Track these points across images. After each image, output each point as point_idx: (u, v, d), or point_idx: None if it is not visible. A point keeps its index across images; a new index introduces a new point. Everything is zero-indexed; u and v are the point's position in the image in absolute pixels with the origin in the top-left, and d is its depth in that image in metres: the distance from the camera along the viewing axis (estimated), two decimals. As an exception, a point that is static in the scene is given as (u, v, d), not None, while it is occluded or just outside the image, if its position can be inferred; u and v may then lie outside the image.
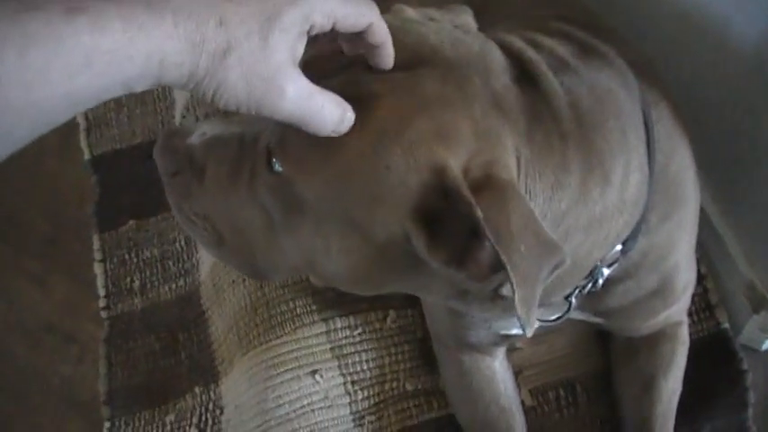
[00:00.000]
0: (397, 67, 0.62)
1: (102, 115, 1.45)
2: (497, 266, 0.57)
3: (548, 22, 0.77)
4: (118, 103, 1.46)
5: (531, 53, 0.68)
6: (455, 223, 0.59)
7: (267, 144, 0.65)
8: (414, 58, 0.63)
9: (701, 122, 0.92)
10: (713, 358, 1.09)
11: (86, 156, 1.41)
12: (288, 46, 0.54)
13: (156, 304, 1.24)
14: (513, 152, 0.62)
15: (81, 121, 1.45)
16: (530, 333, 0.58)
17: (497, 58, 0.66)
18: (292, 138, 0.62)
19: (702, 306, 1.12)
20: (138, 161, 1.36)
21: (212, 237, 0.74)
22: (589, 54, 0.72)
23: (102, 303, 1.25)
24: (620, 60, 0.74)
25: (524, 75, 0.67)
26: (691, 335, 1.03)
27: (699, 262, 1.00)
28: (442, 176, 0.58)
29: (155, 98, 1.46)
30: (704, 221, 0.91)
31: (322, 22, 0.56)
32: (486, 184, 0.59)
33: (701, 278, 1.09)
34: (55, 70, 0.46)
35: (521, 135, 0.63)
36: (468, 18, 0.74)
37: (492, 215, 0.56)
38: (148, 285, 1.25)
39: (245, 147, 0.69)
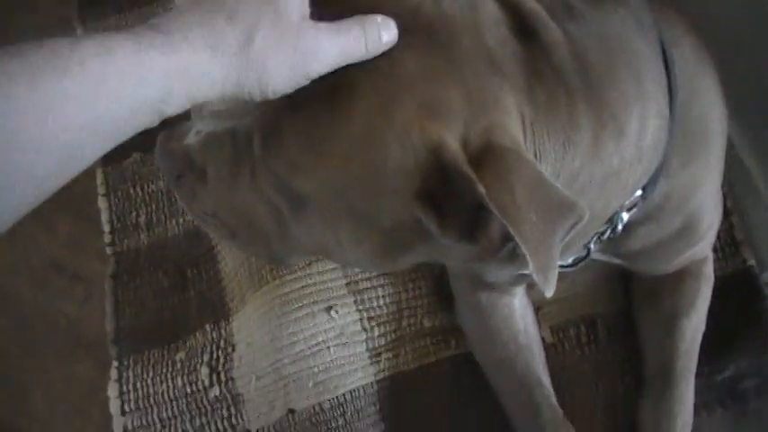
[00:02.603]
0: None
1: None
2: (510, 236, 0.53)
3: None
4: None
5: (529, 3, 0.63)
6: (463, 198, 0.55)
7: (262, 141, 0.62)
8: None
9: (729, 53, 0.88)
10: (737, 296, 1.06)
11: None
12: (297, 4, 0.53)
13: (164, 239, 1.20)
14: (515, 112, 0.58)
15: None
16: (549, 294, 0.54)
17: (489, 10, 0.61)
18: (281, 138, 0.59)
19: (728, 242, 1.09)
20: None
21: (225, 231, 0.72)
22: None
23: (107, 239, 1.21)
24: (637, 2, 0.69)
25: (523, 27, 0.61)
26: (715, 271, 1.00)
27: (725, 197, 0.96)
28: (439, 154, 0.55)
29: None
30: (731, 155, 0.88)
31: None
32: (488, 153, 0.54)
33: (726, 213, 1.05)
34: (67, 99, 0.44)
35: (521, 93, 0.58)
36: None
37: (495, 189, 0.52)
38: (155, 220, 1.21)
39: (240, 144, 0.65)
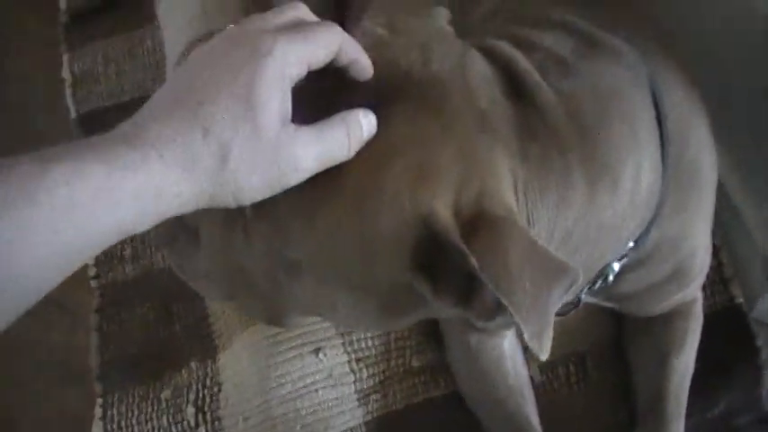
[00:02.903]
0: (364, 103, 0.57)
1: (90, 70, 1.38)
2: (502, 305, 0.52)
3: (550, 12, 0.70)
4: (105, 57, 1.39)
5: (520, 63, 0.62)
6: (455, 265, 0.54)
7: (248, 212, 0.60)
8: (383, 91, 0.58)
9: (720, 89, 0.87)
10: (726, 334, 1.06)
11: (72, 113, 1.35)
12: (276, 114, 0.50)
13: (149, 273, 1.19)
14: (508, 174, 0.57)
15: (67, 76, 1.38)
16: (544, 357, 0.54)
17: (480, 71, 0.60)
18: (273, 204, 0.56)
19: (716, 279, 1.09)
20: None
21: (220, 292, 0.71)
22: (593, 48, 0.66)
23: (91, 272, 1.20)
24: (630, 50, 0.68)
25: (515, 87, 0.61)
26: (704, 308, 1.00)
27: (713, 234, 0.96)
28: (430, 224, 0.53)
29: (145, 51, 1.39)
30: (720, 191, 0.87)
31: (298, 72, 0.52)
32: (480, 221, 0.53)
33: (715, 251, 1.05)
34: (34, 230, 0.42)
35: (514, 155, 0.57)
36: (441, 22, 0.66)
37: (488, 260, 0.51)
38: (140, 253, 1.20)
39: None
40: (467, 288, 0.56)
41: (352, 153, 0.54)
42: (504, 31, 0.67)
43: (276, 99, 0.50)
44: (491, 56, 0.62)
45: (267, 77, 0.49)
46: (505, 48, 0.63)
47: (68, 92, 1.38)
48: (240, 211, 0.62)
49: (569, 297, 0.78)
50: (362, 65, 0.57)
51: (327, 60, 0.54)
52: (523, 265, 0.52)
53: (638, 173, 0.65)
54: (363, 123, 0.55)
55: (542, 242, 0.55)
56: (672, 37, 0.77)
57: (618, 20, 0.72)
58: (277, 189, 0.52)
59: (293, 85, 0.52)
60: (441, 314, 0.67)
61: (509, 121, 0.59)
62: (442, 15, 0.68)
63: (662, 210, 0.71)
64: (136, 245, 1.21)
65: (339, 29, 0.55)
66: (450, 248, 0.53)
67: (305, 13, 0.57)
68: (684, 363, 0.98)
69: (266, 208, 0.58)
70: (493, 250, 0.52)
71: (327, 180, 0.55)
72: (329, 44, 0.53)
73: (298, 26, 0.54)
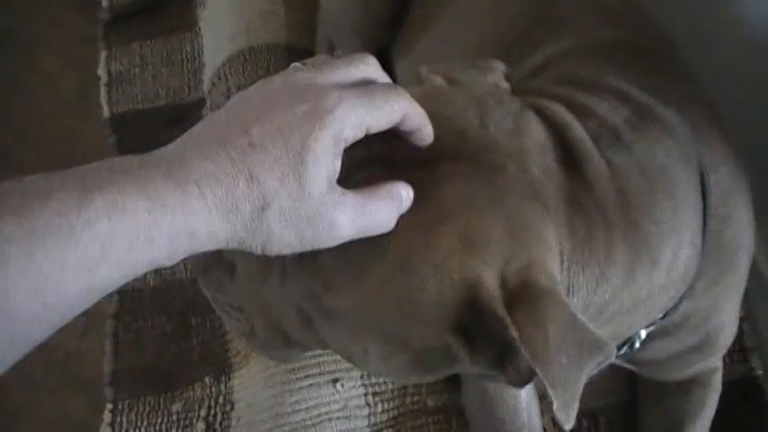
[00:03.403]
0: (418, 163, 0.57)
1: (126, 71, 1.38)
2: (535, 374, 0.53)
3: (605, 76, 0.70)
4: (143, 59, 1.39)
5: (575, 130, 0.62)
6: (494, 331, 0.54)
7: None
8: (437, 148, 0.57)
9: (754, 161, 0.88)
10: (742, 405, 1.06)
11: (105, 113, 1.35)
12: (325, 175, 0.49)
13: (170, 283, 1.18)
14: (554, 247, 0.57)
15: (103, 75, 1.38)
16: (569, 428, 0.53)
17: (536, 136, 0.60)
18: (316, 254, 0.55)
19: (737, 348, 1.08)
20: (159, 126, 1.30)
21: (246, 328, 0.70)
22: (646, 121, 0.66)
23: (112, 275, 1.19)
24: (681, 123, 0.68)
25: (568, 155, 0.61)
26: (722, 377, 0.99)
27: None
28: (476, 292, 0.53)
29: (183, 57, 1.39)
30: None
31: (355, 135, 0.50)
32: (524, 293, 0.53)
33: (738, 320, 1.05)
34: (69, 268, 0.41)
35: (562, 227, 0.58)
36: (498, 77, 0.66)
37: (529, 332, 0.51)
38: (162, 261, 1.19)
39: None
40: (502, 353, 0.56)
41: (392, 225, 0.54)
42: (560, 92, 0.67)
43: (328, 161, 0.49)
44: (546, 119, 0.62)
45: (324, 138, 0.48)
46: (560, 112, 0.63)
47: (103, 90, 1.37)
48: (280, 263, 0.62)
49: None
50: (425, 134, 0.56)
51: (389, 127, 0.53)
52: (562, 339, 0.52)
53: (678, 251, 0.65)
54: (404, 197, 0.54)
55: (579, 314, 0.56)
56: (718, 111, 0.77)
57: (668, 88, 0.72)
58: (307, 248, 0.51)
59: (347, 146, 0.51)
60: (471, 372, 0.67)
61: (559, 192, 0.59)
62: (499, 69, 0.68)
63: (696, 283, 0.71)
64: (158, 253, 1.20)
65: (407, 95, 0.54)
66: (492, 316, 0.53)
67: (375, 70, 0.56)
68: (699, 432, 0.98)
69: (310, 255, 0.56)
70: (534, 323, 0.52)
71: (377, 239, 0.54)
72: (394, 111, 0.52)
73: (365, 87, 0.52)
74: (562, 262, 0.58)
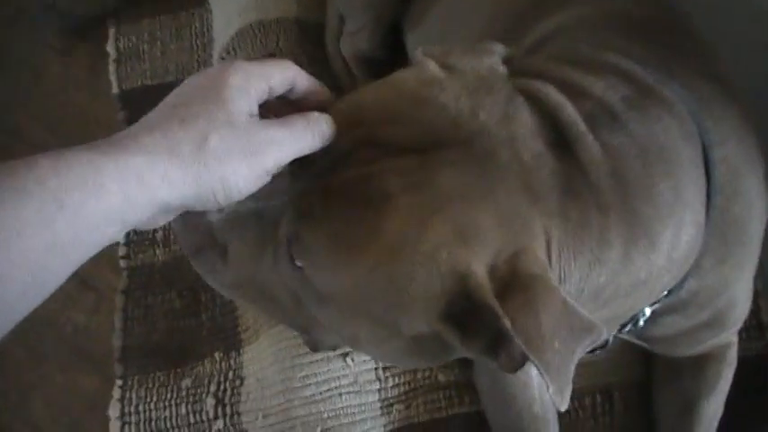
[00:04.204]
0: (412, 149, 0.57)
1: (135, 47, 1.37)
2: (528, 358, 0.54)
3: (606, 52, 0.69)
4: (152, 35, 1.38)
5: (567, 112, 0.60)
6: (484, 319, 0.54)
7: (287, 236, 0.61)
8: (430, 134, 0.58)
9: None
10: (759, 381, 1.04)
11: (114, 89, 1.34)
12: (246, 108, 0.55)
13: (179, 258, 1.17)
14: (544, 236, 0.57)
15: (111, 51, 1.37)
16: (563, 408, 0.54)
17: (526, 122, 0.59)
18: (310, 237, 0.58)
19: (753, 324, 1.07)
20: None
21: (249, 300, 0.71)
22: (646, 100, 0.64)
23: (121, 252, 1.19)
24: (683, 99, 0.66)
25: (560, 138, 0.60)
26: (737, 352, 0.97)
27: (755, 278, 0.94)
28: (466, 283, 0.54)
29: (192, 33, 1.39)
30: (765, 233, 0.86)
31: (260, 87, 0.57)
32: (514, 281, 0.54)
33: (755, 295, 1.02)
34: (28, 222, 0.43)
35: (552, 215, 0.57)
36: (494, 60, 0.65)
37: (521, 320, 0.52)
38: (172, 237, 1.19)
39: (265, 226, 0.64)
40: (494, 340, 0.56)
41: (318, 144, 0.58)
42: (556, 72, 0.65)
43: (244, 99, 0.54)
44: (538, 102, 0.61)
45: (234, 83, 0.54)
46: (552, 93, 0.62)
47: (111, 67, 1.37)
48: (272, 234, 0.62)
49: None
50: (318, 91, 0.62)
51: (285, 84, 0.59)
52: (554, 325, 0.53)
53: (679, 232, 0.63)
54: (322, 120, 0.58)
55: (571, 299, 0.55)
56: (730, 84, 0.75)
57: (676, 63, 0.70)
58: (261, 174, 0.54)
59: (259, 100, 0.56)
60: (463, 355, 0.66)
61: (552, 177, 0.58)
62: (497, 52, 0.66)
63: (702, 261, 0.69)
64: (168, 228, 1.19)
65: (291, 64, 0.60)
66: (483, 307, 0.53)
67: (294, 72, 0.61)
68: (714, 408, 0.96)
69: (302, 238, 0.59)
70: (526, 311, 0.53)
71: (368, 225, 0.56)
72: (285, 71, 0.59)
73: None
74: (551, 249, 0.57)
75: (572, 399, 1.01)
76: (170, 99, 0.55)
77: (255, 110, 0.56)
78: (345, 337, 0.65)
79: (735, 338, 0.96)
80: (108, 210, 0.46)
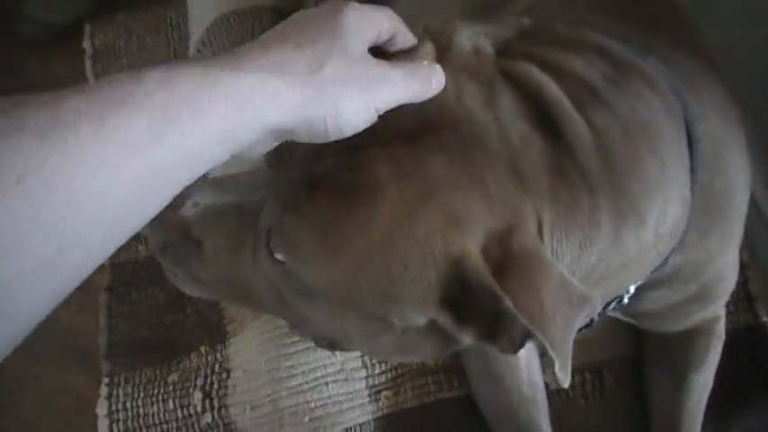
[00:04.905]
0: (399, 135, 0.56)
1: (111, 42, 1.36)
2: (529, 337, 0.53)
3: (582, 30, 0.67)
4: (128, 30, 1.37)
5: (551, 90, 0.60)
6: (482, 302, 0.53)
7: (267, 229, 0.59)
8: (418, 121, 0.57)
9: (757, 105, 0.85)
10: (748, 353, 1.04)
11: (92, 86, 1.33)
12: (361, 43, 0.53)
13: (163, 254, 1.16)
14: (534, 219, 0.56)
15: (88, 48, 1.36)
16: (566, 384, 0.54)
17: (509, 105, 0.58)
18: (293, 228, 0.56)
19: (741, 296, 1.06)
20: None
21: (227, 295, 0.70)
22: (626, 76, 0.63)
23: (104, 250, 1.17)
24: (664, 77, 0.66)
25: (545, 118, 0.59)
26: (726, 325, 0.97)
27: (742, 249, 0.93)
28: (461, 267, 0.53)
29: (168, 26, 1.37)
30: (751, 205, 0.85)
31: (372, 32, 0.55)
32: (509, 261, 0.53)
33: (742, 267, 1.03)
34: (136, 136, 0.41)
35: (543, 197, 0.56)
36: (483, 42, 0.63)
37: (522, 299, 0.51)
38: (154, 233, 1.18)
39: (245, 219, 0.63)
40: (493, 323, 0.55)
41: (425, 95, 0.56)
42: (535, 51, 0.64)
43: (358, 36, 0.53)
44: (522, 84, 0.60)
45: (350, 19, 0.53)
46: (535, 73, 0.61)
47: (88, 63, 1.35)
48: (252, 227, 0.61)
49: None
50: (406, 36, 0.59)
51: (390, 32, 0.57)
52: (555, 299, 0.52)
53: (665, 208, 0.63)
54: (437, 70, 0.57)
55: None
56: (712, 58, 0.74)
57: (656, 38, 0.70)
58: (371, 112, 0.52)
59: (370, 43, 0.55)
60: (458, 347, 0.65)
61: (540, 159, 0.57)
62: (489, 33, 0.65)
63: (686, 237, 0.69)
64: (150, 224, 1.18)
65: (394, 13, 0.58)
66: (481, 289, 0.52)
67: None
68: (703, 381, 0.96)
69: (285, 230, 0.57)
70: (526, 289, 0.52)
71: (357, 214, 0.54)
72: (389, 17, 0.57)
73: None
74: (543, 231, 0.57)
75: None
76: (284, 26, 0.53)
77: (366, 49, 0.54)
78: (334, 332, 0.63)
79: (722, 312, 0.96)
80: (218, 128, 0.45)
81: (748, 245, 1.05)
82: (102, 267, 1.15)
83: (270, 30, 0.53)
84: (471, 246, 0.53)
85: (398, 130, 0.57)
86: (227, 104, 0.45)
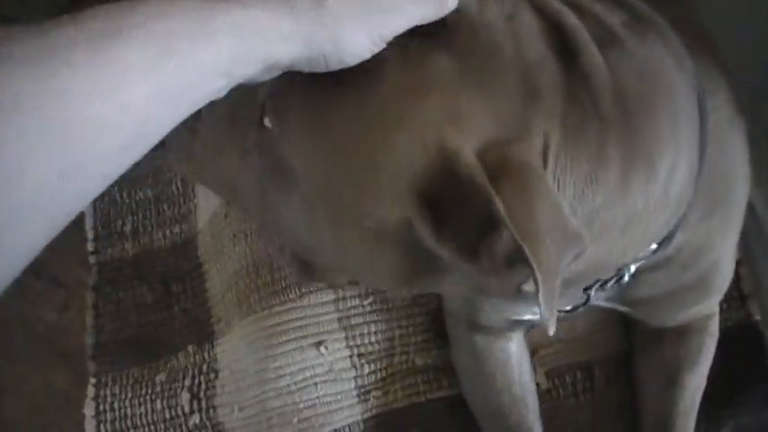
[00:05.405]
0: (416, 34, 0.54)
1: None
2: (513, 260, 0.51)
3: None
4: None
5: (571, 18, 0.58)
6: (466, 210, 0.51)
7: (263, 99, 0.58)
8: (437, 24, 0.55)
9: (752, 94, 0.84)
10: (740, 351, 1.03)
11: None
12: None
13: (149, 251, 1.15)
14: (541, 136, 0.53)
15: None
16: (552, 331, 0.51)
17: (527, 22, 0.57)
18: (287, 92, 0.55)
19: (734, 294, 1.05)
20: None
21: (217, 189, 0.69)
22: (642, 25, 0.62)
23: (90, 247, 1.16)
24: (676, 39, 0.64)
25: (562, 44, 0.57)
26: (719, 323, 0.96)
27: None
28: (452, 161, 0.50)
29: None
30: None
31: None
32: (506, 169, 0.50)
33: (735, 264, 1.01)
34: (130, 65, 0.41)
35: (552, 116, 0.54)
36: None
37: (515, 206, 0.48)
38: (141, 230, 1.16)
39: (245, 93, 0.60)
40: (474, 239, 0.52)
41: (438, 14, 0.53)
42: None
43: None
44: (541, 10, 0.59)
45: None
46: (557, 5, 0.59)
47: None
48: (252, 97, 0.59)
49: (579, 292, 0.75)
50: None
51: None
52: (548, 221, 0.49)
53: (675, 165, 0.61)
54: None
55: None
56: (712, 39, 0.73)
57: (662, 11, 0.68)
58: (376, 41, 0.51)
59: None
60: (434, 280, 0.62)
61: (554, 80, 0.55)
62: None
63: (689, 214, 0.67)
64: (137, 221, 1.17)
65: None
66: (470, 190, 0.49)
67: None
68: (697, 380, 0.95)
69: (280, 94, 0.56)
70: (520, 197, 0.49)
71: (357, 90, 0.53)
72: None
73: None
74: (549, 153, 0.54)
75: (551, 377, 1.02)
76: None
77: None
78: (306, 241, 0.61)
79: (716, 309, 0.95)
80: (217, 61, 0.44)
81: (742, 242, 1.04)
82: (88, 266, 1.15)
83: None
84: (467, 143, 0.51)
85: (415, 31, 0.55)
86: (227, 38, 0.45)
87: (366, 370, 1.02)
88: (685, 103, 0.62)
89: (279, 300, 1.01)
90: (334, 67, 0.50)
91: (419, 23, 0.53)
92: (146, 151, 0.44)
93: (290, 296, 1.01)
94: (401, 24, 0.52)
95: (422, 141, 0.51)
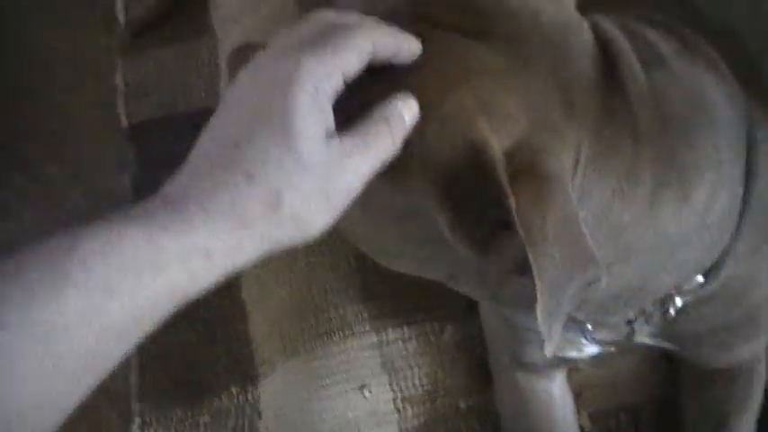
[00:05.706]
0: (463, 31, 0.54)
1: (143, 80, 1.37)
2: (521, 265, 0.49)
3: (653, 13, 0.67)
4: (159, 66, 1.39)
5: (622, 44, 0.59)
6: (483, 205, 0.50)
7: None
8: (488, 24, 0.54)
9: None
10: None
11: (124, 123, 1.34)
12: (319, 138, 0.47)
13: (193, 291, 1.16)
14: (574, 145, 0.53)
15: (120, 84, 1.37)
16: (549, 351, 0.51)
17: (583, 40, 0.57)
18: None
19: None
20: (177, 132, 1.28)
21: None
22: (693, 53, 0.63)
23: (135, 287, 1.17)
24: (727, 68, 0.64)
25: (609, 61, 0.57)
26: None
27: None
28: (478, 153, 0.49)
29: (199, 63, 1.38)
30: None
31: (333, 86, 0.48)
32: (529, 173, 0.50)
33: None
34: (72, 312, 0.39)
35: (587, 128, 0.54)
36: None
37: (527, 209, 0.48)
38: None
39: None
40: (488, 235, 0.52)
41: (398, 146, 0.50)
42: (612, 18, 0.63)
43: (315, 122, 0.46)
44: (596, 32, 0.59)
45: (299, 103, 0.46)
46: (611, 29, 0.60)
47: (120, 100, 1.36)
48: None
49: (620, 323, 0.75)
50: (405, 52, 0.52)
51: (364, 64, 0.50)
52: (559, 233, 0.49)
53: (715, 194, 0.60)
54: (404, 113, 0.50)
55: (588, 228, 0.51)
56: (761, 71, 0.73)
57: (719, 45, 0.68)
58: (338, 213, 0.49)
59: (334, 98, 0.48)
60: (454, 278, 0.63)
61: (592, 94, 0.55)
62: None
63: (736, 247, 0.67)
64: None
65: (371, 24, 0.51)
66: (489, 184, 0.49)
67: (332, 16, 0.52)
68: (747, 425, 0.93)
69: None
70: (535, 201, 0.48)
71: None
72: (361, 48, 0.49)
73: (324, 36, 0.49)
74: (578, 165, 0.54)
75: (596, 419, 1.00)
76: (224, 127, 0.48)
77: (331, 125, 0.48)
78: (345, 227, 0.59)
79: (763, 354, 0.93)
80: (168, 288, 0.42)
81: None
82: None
83: (210, 130, 0.48)
84: (496, 139, 0.50)
85: (468, 27, 0.54)
86: (177, 267, 0.42)
87: (410, 413, 1.01)
88: (730, 130, 0.62)
89: (322, 342, 1.02)
90: (302, 241, 0.49)
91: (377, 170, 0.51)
92: (99, 381, 0.43)
93: (334, 339, 1.02)
94: (359, 189, 0.50)
95: (451, 132, 0.50)
